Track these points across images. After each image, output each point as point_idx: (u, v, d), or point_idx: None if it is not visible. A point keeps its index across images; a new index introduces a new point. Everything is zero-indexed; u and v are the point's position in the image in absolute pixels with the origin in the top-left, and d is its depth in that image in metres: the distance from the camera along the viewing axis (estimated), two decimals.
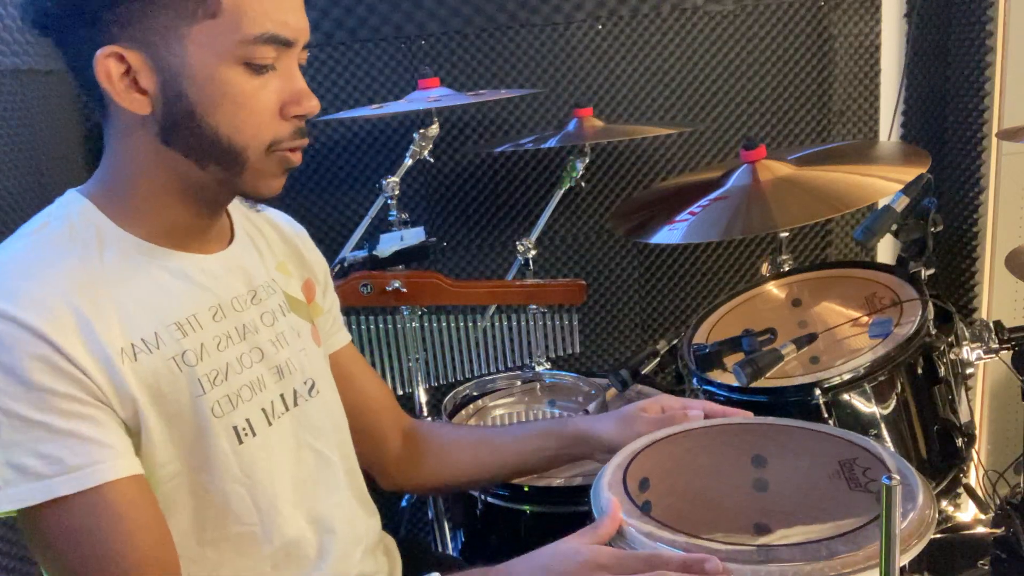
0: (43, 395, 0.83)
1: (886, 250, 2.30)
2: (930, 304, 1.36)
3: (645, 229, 1.66)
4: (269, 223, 1.15)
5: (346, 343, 1.25)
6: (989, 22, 1.96)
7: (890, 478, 0.73)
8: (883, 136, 2.35)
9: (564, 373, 1.92)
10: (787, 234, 1.72)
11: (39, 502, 0.83)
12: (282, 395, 1.04)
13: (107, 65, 0.88)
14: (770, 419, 1.09)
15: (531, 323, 1.98)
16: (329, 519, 1.07)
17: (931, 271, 1.43)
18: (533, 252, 1.95)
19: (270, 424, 1.01)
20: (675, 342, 1.60)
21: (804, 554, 0.77)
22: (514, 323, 2.03)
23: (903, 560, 0.77)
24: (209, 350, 0.96)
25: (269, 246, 1.12)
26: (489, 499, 1.48)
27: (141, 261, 0.94)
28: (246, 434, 0.98)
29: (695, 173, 2.01)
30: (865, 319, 1.43)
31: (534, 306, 1.97)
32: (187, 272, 0.97)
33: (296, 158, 0.97)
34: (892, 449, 1.30)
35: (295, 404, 1.05)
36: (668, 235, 1.59)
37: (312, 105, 0.94)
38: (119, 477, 0.86)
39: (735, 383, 1.35)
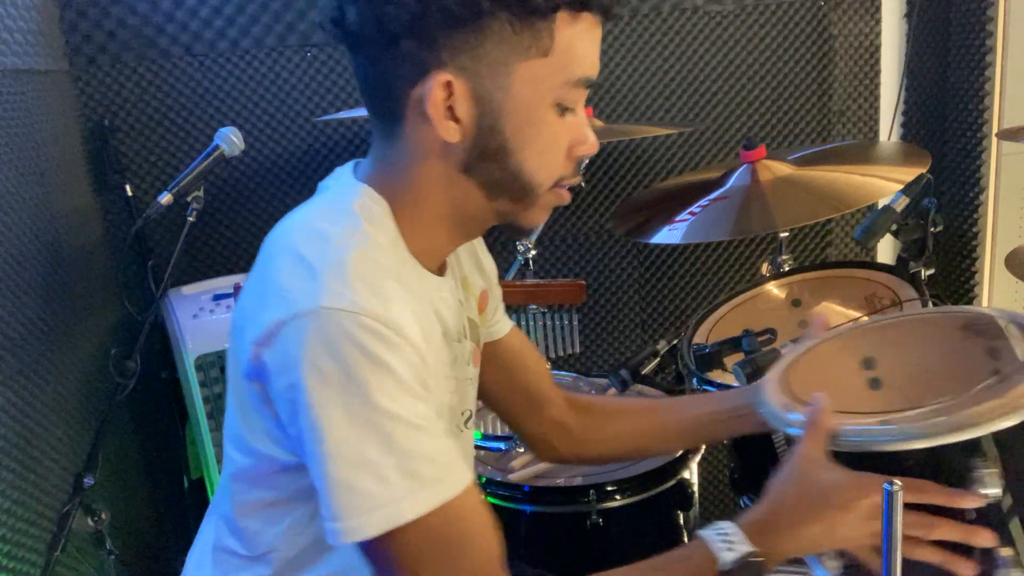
0: (418, 402, 0.83)
1: (886, 250, 2.30)
2: (930, 304, 1.36)
3: (645, 229, 1.65)
4: None
5: (513, 326, 1.26)
6: (989, 22, 1.96)
7: (892, 484, 0.74)
8: (883, 136, 2.35)
9: (564, 373, 1.92)
10: (787, 234, 1.72)
11: (434, 508, 0.82)
12: (452, 425, 1.03)
13: (436, 91, 0.86)
14: (876, 318, 1.13)
15: (531, 323, 1.97)
16: None
17: (931, 271, 1.43)
18: (533, 252, 1.95)
19: None
20: (675, 342, 1.60)
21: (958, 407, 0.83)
22: (514, 323, 2.03)
23: None
24: (439, 378, 0.95)
25: (458, 260, 1.10)
26: (489, 499, 1.48)
27: (414, 281, 0.93)
28: None
29: (695, 173, 2.01)
30: (865, 319, 1.43)
31: (534, 306, 1.96)
32: (432, 298, 0.96)
33: (568, 195, 0.97)
34: None
35: (455, 436, 1.04)
36: (668, 235, 1.59)
37: (595, 145, 0.94)
38: (471, 481, 0.86)
39: (735, 383, 1.35)
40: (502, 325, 1.23)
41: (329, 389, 0.80)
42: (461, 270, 1.10)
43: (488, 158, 0.90)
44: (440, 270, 1.01)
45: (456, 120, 0.88)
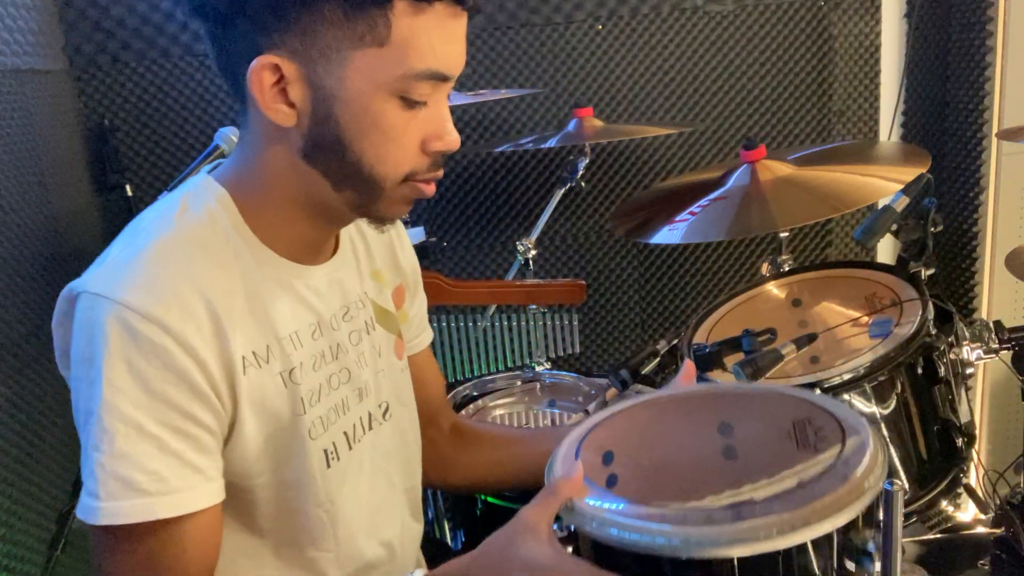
0: (165, 408, 0.81)
1: (886, 250, 2.30)
2: (930, 304, 1.36)
3: (645, 229, 1.65)
4: None
5: (427, 344, 1.23)
6: (989, 22, 1.96)
7: (892, 484, 0.73)
8: (883, 136, 2.35)
9: (564, 373, 1.92)
10: (787, 234, 1.72)
11: (137, 521, 0.80)
12: (361, 418, 1.02)
13: (261, 74, 0.84)
14: (733, 384, 1.07)
15: (531, 323, 1.97)
16: (398, 542, 1.08)
17: (931, 271, 1.43)
18: (533, 252, 1.95)
19: (351, 448, 1.00)
20: (675, 342, 1.60)
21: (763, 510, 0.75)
22: (514, 323, 2.03)
23: (862, 504, 0.75)
24: (307, 369, 0.94)
25: (368, 250, 1.08)
26: (489, 499, 1.48)
27: (264, 270, 0.91)
28: (333, 458, 0.97)
29: (695, 173, 2.01)
30: (865, 319, 1.42)
31: (534, 306, 1.96)
32: (295, 286, 0.95)
33: (430, 189, 0.93)
34: (890, 447, 1.31)
35: (370, 428, 1.03)
36: (668, 235, 1.59)
37: (454, 141, 0.90)
38: (204, 507, 0.84)
39: (735, 383, 1.34)
40: (423, 339, 1.22)
41: (75, 370, 0.82)
42: (372, 262, 1.08)
43: (326, 147, 0.87)
44: (312, 259, 0.98)
45: (291, 105, 0.85)
